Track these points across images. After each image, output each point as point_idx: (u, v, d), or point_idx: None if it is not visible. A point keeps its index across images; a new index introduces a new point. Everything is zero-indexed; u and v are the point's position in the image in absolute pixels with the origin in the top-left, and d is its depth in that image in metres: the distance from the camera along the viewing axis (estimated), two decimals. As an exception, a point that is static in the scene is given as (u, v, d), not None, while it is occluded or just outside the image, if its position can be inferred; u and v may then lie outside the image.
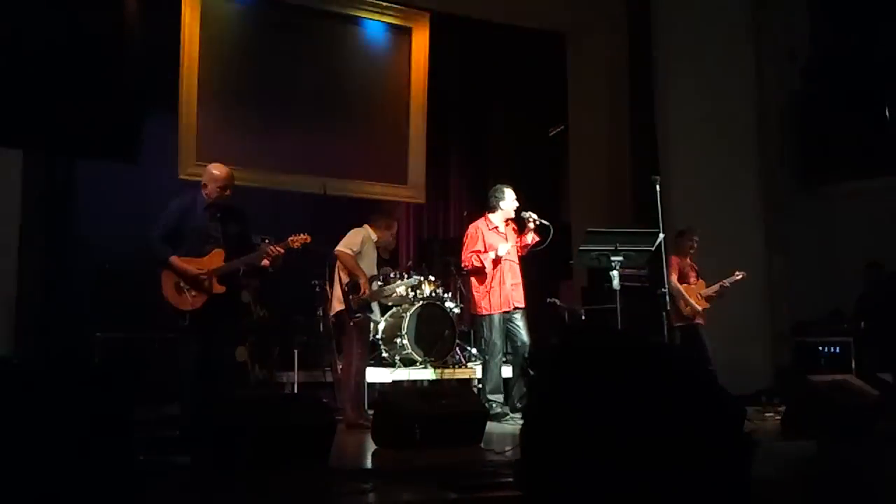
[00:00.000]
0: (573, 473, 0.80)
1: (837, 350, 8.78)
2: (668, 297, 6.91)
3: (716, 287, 7.60)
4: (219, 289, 5.41)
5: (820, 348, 8.94)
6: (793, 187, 9.78)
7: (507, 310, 6.69)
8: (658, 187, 6.53)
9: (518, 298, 6.75)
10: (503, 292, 6.67)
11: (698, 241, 7.63)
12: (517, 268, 6.81)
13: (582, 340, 0.88)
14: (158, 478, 3.96)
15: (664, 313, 6.83)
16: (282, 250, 5.58)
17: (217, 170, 5.57)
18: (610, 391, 0.81)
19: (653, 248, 6.19)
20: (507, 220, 6.88)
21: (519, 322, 6.71)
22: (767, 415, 6.92)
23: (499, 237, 6.78)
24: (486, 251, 6.70)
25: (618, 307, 5.96)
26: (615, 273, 5.89)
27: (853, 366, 8.37)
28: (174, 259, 5.35)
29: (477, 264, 6.68)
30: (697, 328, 7.50)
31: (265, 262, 5.55)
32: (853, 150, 9.39)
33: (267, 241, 5.78)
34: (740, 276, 7.59)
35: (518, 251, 6.80)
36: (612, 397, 0.81)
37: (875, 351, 8.58)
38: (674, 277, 7.48)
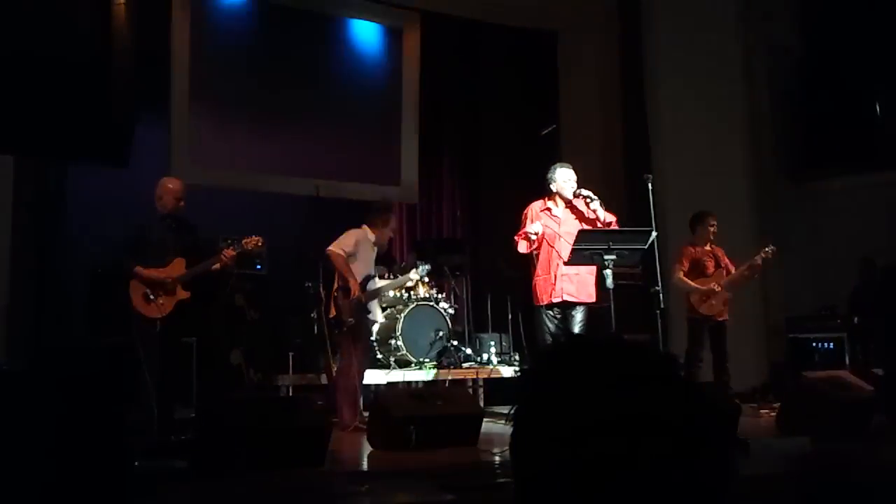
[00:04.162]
0: (561, 475, 0.80)
1: (831, 346, 8.80)
2: (661, 296, 6.83)
3: (743, 268, 7.13)
4: (183, 295, 5.68)
5: (814, 344, 8.95)
6: (784, 183, 9.81)
7: (557, 301, 6.14)
8: (650, 185, 6.53)
9: (572, 291, 6.15)
10: (551, 281, 6.14)
11: (716, 225, 7.17)
12: None
13: (567, 343, 0.88)
14: (155, 483, 3.95)
15: (658, 311, 6.80)
16: (233, 253, 5.90)
17: (172, 183, 5.83)
18: (594, 393, 0.82)
19: (646, 247, 6.16)
20: (567, 203, 6.31)
21: (575, 320, 6.19)
22: (762, 411, 6.94)
23: (551, 219, 6.28)
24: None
25: (611, 306, 5.94)
26: (608, 272, 5.85)
27: (847, 361, 8.39)
28: (140, 269, 5.55)
29: (519, 248, 6.23)
30: (719, 326, 7.07)
31: (217, 265, 5.86)
32: (844, 145, 9.43)
33: (229, 241, 6.10)
34: (770, 251, 7.14)
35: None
36: (596, 399, 0.81)
37: (869, 346, 8.61)
38: (679, 272, 7.09)
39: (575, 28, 9.74)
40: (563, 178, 6.30)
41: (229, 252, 5.89)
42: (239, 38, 8.85)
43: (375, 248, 6.63)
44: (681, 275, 7.14)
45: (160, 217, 5.71)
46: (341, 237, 6.44)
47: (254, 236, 6.15)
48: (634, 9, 9.22)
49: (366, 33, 9.73)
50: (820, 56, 9.79)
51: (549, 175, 6.39)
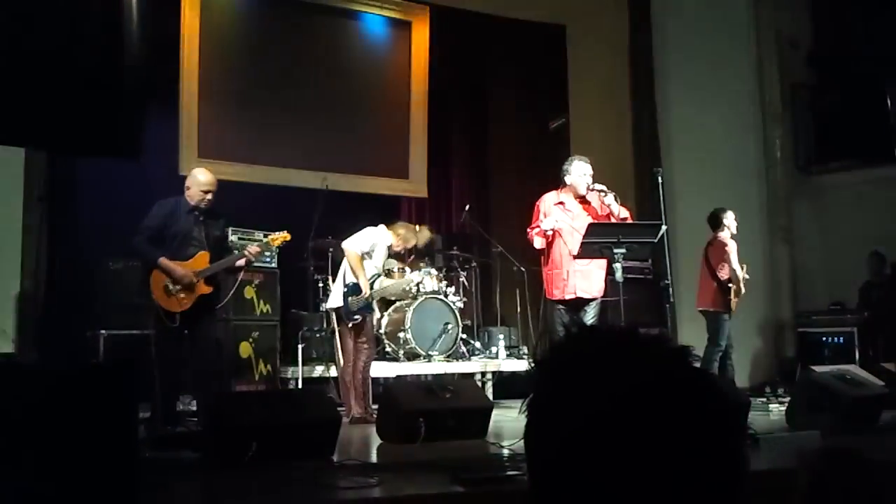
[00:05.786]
0: (576, 467, 0.80)
1: (841, 340, 8.78)
2: (671, 289, 6.80)
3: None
4: (205, 289, 5.56)
5: (823, 339, 8.93)
6: (795, 177, 9.77)
7: (570, 297, 6.04)
8: (660, 179, 6.51)
9: (585, 287, 6.05)
10: (563, 277, 6.03)
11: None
12: None
13: (582, 334, 0.88)
14: (164, 475, 3.97)
15: (667, 305, 6.79)
16: (258, 249, 5.88)
17: (203, 175, 5.69)
18: (609, 385, 0.81)
19: (655, 240, 6.15)
20: (580, 197, 6.19)
21: (587, 315, 6.09)
22: (772, 406, 6.92)
23: (564, 213, 6.13)
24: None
25: (621, 299, 5.94)
26: (618, 265, 5.83)
27: (857, 356, 8.37)
28: (164, 260, 5.44)
29: (535, 243, 6.13)
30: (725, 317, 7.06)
31: (241, 261, 5.80)
32: (854, 139, 9.38)
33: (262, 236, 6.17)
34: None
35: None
36: (611, 390, 0.81)
37: (879, 341, 8.58)
38: (735, 260, 7.00)
39: (584, 21, 9.70)
40: (580, 172, 6.17)
41: (254, 248, 5.84)
42: (248, 30, 8.86)
43: (388, 251, 6.69)
44: (738, 266, 7.03)
45: (189, 209, 5.60)
46: (359, 235, 6.48)
47: (282, 232, 6.11)
48: (644, 2, 9.18)
49: (374, 27, 9.72)
50: (831, 49, 9.73)
51: (565, 167, 6.26)
